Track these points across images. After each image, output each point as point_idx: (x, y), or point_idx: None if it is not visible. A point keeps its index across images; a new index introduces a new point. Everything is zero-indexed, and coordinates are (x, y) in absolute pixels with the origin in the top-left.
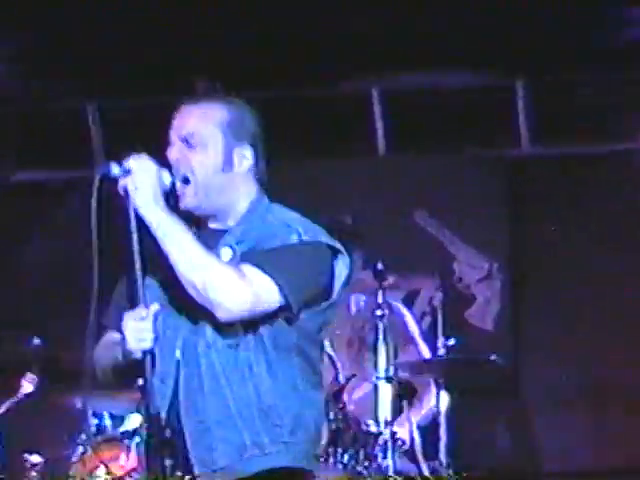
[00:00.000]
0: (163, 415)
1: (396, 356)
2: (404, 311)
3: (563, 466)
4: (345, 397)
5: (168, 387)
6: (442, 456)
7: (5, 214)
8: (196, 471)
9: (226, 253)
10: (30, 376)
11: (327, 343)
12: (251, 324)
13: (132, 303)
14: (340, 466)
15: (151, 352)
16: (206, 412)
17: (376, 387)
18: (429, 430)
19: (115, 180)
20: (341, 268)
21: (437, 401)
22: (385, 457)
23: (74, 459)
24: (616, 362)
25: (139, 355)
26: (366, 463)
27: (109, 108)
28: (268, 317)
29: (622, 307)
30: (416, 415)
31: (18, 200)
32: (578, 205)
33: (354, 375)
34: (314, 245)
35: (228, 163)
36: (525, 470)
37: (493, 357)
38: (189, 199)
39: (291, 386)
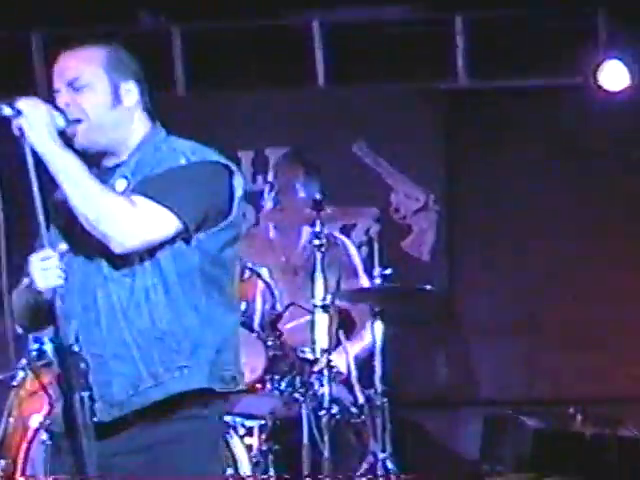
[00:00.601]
0: (76, 349)
1: (338, 287)
2: (348, 243)
3: (497, 395)
4: (284, 326)
5: (71, 324)
6: (377, 385)
7: None
8: (97, 406)
9: (120, 184)
10: None
11: (265, 271)
12: (147, 251)
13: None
14: (277, 393)
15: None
16: (103, 346)
17: (313, 316)
18: (366, 360)
19: (8, 120)
20: (236, 186)
21: (372, 330)
22: (322, 385)
23: (14, 383)
24: (551, 296)
25: (49, 295)
26: (302, 390)
27: (53, 38)
28: (165, 242)
29: (559, 241)
30: (354, 346)
31: None
32: (514, 140)
33: (292, 304)
34: (203, 164)
35: (116, 99)
36: (459, 398)
37: (428, 287)
38: (82, 138)
39: (191, 308)
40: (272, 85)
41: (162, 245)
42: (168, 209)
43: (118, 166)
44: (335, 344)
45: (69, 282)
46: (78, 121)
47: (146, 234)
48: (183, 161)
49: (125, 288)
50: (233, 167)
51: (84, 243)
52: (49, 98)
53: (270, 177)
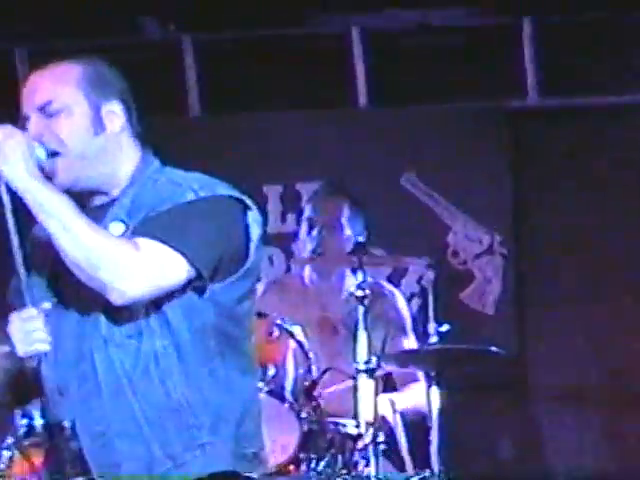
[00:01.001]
0: (67, 425)
1: (384, 347)
2: (397, 294)
3: (577, 475)
4: (319, 393)
5: (64, 396)
6: (434, 463)
7: None
8: None
9: (116, 228)
10: None
11: (298, 329)
12: (153, 304)
13: (21, 302)
14: (314, 475)
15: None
16: (107, 423)
17: (356, 382)
18: (418, 433)
19: None
20: (252, 225)
21: (428, 399)
22: (368, 464)
23: (1, 466)
24: (638, 351)
25: (33, 363)
26: (345, 471)
27: (41, 51)
28: (174, 293)
29: None
30: (401, 398)
31: None
32: (596, 168)
33: (330, 368)
34: (215, 199)
35: (98, 124)
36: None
37: (493, 348)
38: (63, 174)
39: (207, 373)
40: (303, 106)
41: (171, 297)
42: (177, 251)
43: (109, 205)
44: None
45: (60, 346)
46: (56, 154)
47: (153, 281)
48: (191, 196)
49: (129, 352)
50: (248, 201)
51: (76, 296)
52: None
53: (307, 212)
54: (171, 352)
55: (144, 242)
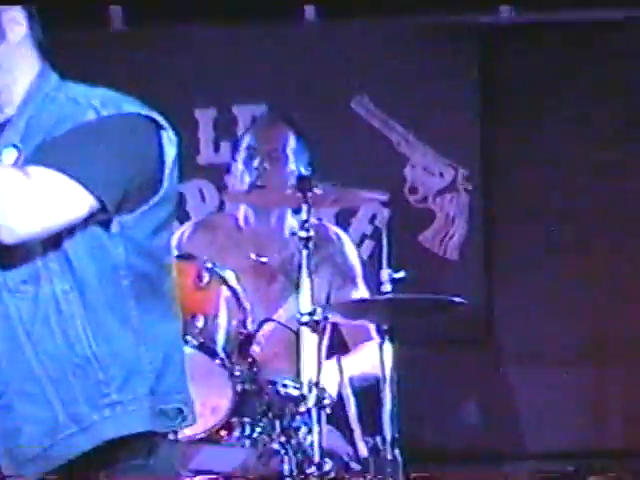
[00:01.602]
0: None
1: (329, 298)
2: (343, 237)
3: (552, 445)
4: (256, 349)
5: None
6: (386, 430)
7: None
8: (2, 464)
9: (9, 156)
10: None
11: (231, 274)
12: (52, 242)
13: None
14: (247, 442)
15: None
16: (4, 381)
17: (298, 335)
18: (368, 394)
19: None
20: (167, 147)
21: (380, 355)
22: (310, 431)
23: None
24: (615, 309)
25: None
26: (284, 438)
27: None
28: (75, 229)
29: (624, 234)
30: (350, 362)
31: None
32: (576, 90)
33: (268, 319)
34: (121, 118)
35: None
36: (496, 449)
37: (457, 298)
38: None
39: (118, 319)
40: (240, 18)
41: (72, 233)
42: (75, 180)
43: (3, 126)
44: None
45: None
46: None
47: (47, 216)
48: (92, 115)
49: (26, 299)
50: (159, 119)
51: None
52: None
53: (247, 141)
54: (74, 297)
55: (36, 170)
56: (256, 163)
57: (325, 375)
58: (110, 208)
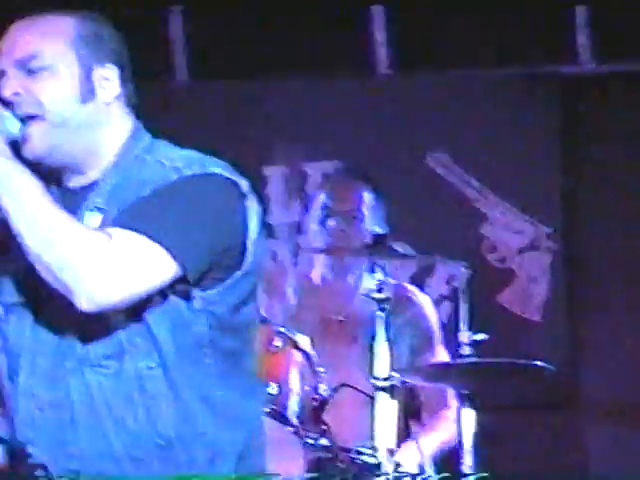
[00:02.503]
0: (31, 451)
1: (406, 361)
2: (423, 298)
3: None
4: (330, 415)
5: (33, 424)
6: None
7: None
8: None
9: (93, 219)
10: None
11: (304, 338)
12: (135, 316)
13: None
14: None
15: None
16: (81, 458)
17: (374, 400)
18: (448, 461)
19: None
20: (251, 215)
21: (459, 421)
22: None
23: None
24: None
25: None
26: None
27: None
28: (158, 302)
29: None
30: (429, 441)
31: None
32: None
33: (343, 384)
34: (205, 178)
35: (88, 89)
36: None
37: (539, 362)
38: (37, 142)
39: (200, 399)
40: (311, 72)
41: (155, 307)
42: (158, 243)
43: (88, 189)
44: (402, 438)
45: (34, 361)
46: (32, 118)
47: (128, 281)
48: (173, 176)
49: (109, 374)
50: (244, 185)
51: (50, 302)
52: None
53: (322, 199)
54: (158, 375)
55: (118, 233)
56: (332, 223)
57: (405, 457)
58: (193, 276)
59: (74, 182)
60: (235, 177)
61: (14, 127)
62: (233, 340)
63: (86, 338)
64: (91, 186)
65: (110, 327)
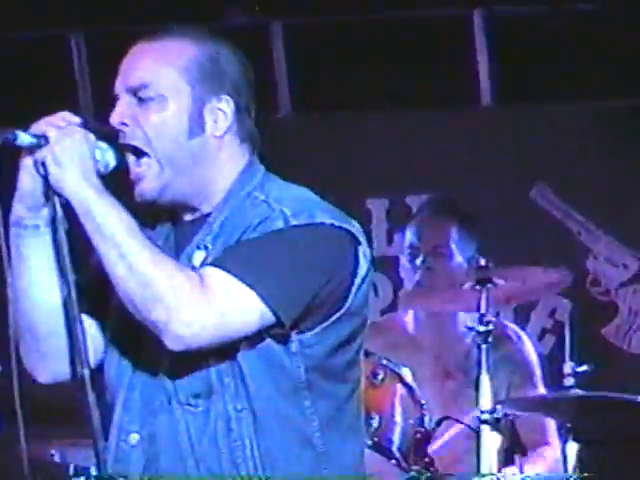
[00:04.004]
0: None
1: (507, 396)
2: (523, 336)
3: None
4: (433, 448)
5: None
6: None
7: None
8: None
9: (198, 256)
10: None
11: (407, 371)
12: (227, 357)
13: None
14: None
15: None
16: None
17: (478, 435)
18: None
19: (30, 151)
20: (362, 262)
21: (564, 455)
22: None
23: None
24: None
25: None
26: None
27: (100, 36)
28: (252, 343)
29: None
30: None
31: None
32: None
33: (446, 417)
34: (312, 229)
35: (197, 125)
36: None
37: None
38: (148, 185)
39: (297, 445)
40: (413, 105)
41: (248, 347)
42: (252, 289)
43: (199, 223)
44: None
45: (131, 396)
46: (142, 154)
47: (218, 324)
48: (280, 224)
49: (197, 413)
50: (356, 233)
51: (138, 338)
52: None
53: (409, 237)
54: (246, 417)
55: (213, 275)
56: (419, 262)
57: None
58: (287, 323)
59: (186, 216)
60: (345, 224)
61: (112, 159)
62: (332, 383)
63: (176, 376)
64: (202, 219)
65: (201, 366)
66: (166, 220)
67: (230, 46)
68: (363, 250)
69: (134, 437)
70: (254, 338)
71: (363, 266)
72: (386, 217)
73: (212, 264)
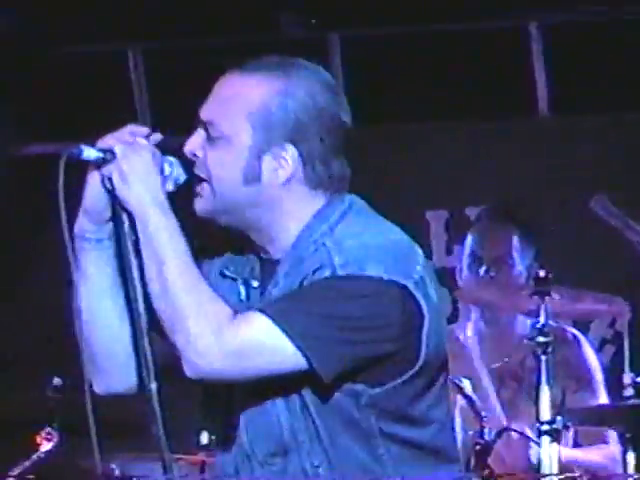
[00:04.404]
0: None
1: (563, 402)
2: (583, 340)
3: None
4: (493, 459)
5: None
6: None
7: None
8: None
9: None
10: (48, 431)
11: (466, 383)
12: (296, 412)
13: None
14: None
15: None
16: None
17: (539, 445)
18: None
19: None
20: (419, 313)
21: (624, 464)
22: None
23: None
24: None
25: None
26: None
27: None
28: (320, 397)
29: None
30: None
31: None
32: None
33: (507, 429)
34: (357, 282)
35: (253, 173)
36: None
37: None
38: (203, 205)
39: None
40: (471, 116)
41: (321, 404)
42: (282, 331)
43: (270, 269)
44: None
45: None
46: (204, 180)
47: (237, 359)
48: (327, 271)
49: (277, 472)
50: (410, 285)
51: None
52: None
53: (470, 246)
54: (324, 472)
55: (249, 314)
56: (481, 271)
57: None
58: (324, 375)
59: (264, 253)
60: (398, 278)
61: (182, 173)
62: (409, 429)
63: (251, 435)
64: (274, 265)
65: (273, 425)
66: (255, 253)
67: (317, 82)
68: (425, 301)
69: None
70: (322, 392)
71: (426, 316)
72: (445, 229)
73: (265, 305)
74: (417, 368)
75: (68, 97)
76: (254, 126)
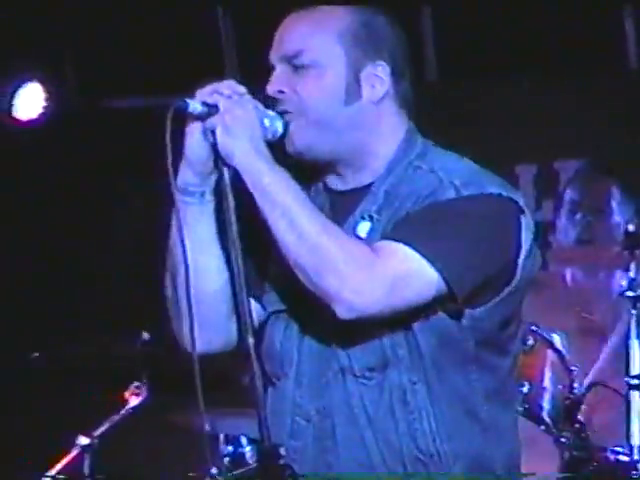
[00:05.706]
0: (282, 452)
1: None
2: None
3: None
4: (584, 413)
5: (307, 424)
6: None
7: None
8: None
9: (364, 226)
10: (136, 385)
11: (557, 337)
12: (401, 330)
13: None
14: None
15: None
16: (339, 466)
17: (627, 400)
18: None
19: (197, 118)
20: (525, 233)
21: None
22: None
23: None
24: None
25: None
26: None
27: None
28: (427, 317)
29: None
30: None
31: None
32: None
33: (597, 383)
34: (483, 199)
35: (354, 91)
36: None
37: None
38: (296, 140)
39: (469, 416)
40: (558, 72)
41: (423, 321)
42: (427, 260)
43: (360, 194)
44: None
45: (300, 369)
46: (290, 113)
47: (390, 295)
48: (452, 194)
49: (371, 386)
50: (521, 203)
51: (307, 309)
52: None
53: (570, 194)
54: (421, 389)
55: (386, 246)
56: (580, 217)
57: None
58: (460, 297)
59: (343, 185)
60: (511, 194)
61: (280, 127)
62: (497, 357)
63: (350, 348)
64: (363, 190)
65: (374, 338)
66: (318, 190)
67: (383, 12)
68: (527, 222)
69: (310, 411)
70: (427, 310)
71: (527, 239)
72: (534, 183)
73: (386, 235)
74: (512, 287)
75: (156, 53)
76: (346, 46)
